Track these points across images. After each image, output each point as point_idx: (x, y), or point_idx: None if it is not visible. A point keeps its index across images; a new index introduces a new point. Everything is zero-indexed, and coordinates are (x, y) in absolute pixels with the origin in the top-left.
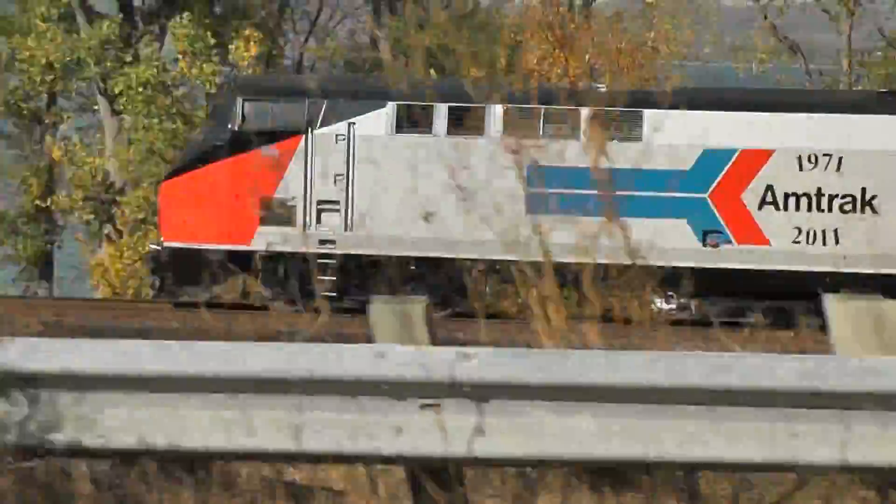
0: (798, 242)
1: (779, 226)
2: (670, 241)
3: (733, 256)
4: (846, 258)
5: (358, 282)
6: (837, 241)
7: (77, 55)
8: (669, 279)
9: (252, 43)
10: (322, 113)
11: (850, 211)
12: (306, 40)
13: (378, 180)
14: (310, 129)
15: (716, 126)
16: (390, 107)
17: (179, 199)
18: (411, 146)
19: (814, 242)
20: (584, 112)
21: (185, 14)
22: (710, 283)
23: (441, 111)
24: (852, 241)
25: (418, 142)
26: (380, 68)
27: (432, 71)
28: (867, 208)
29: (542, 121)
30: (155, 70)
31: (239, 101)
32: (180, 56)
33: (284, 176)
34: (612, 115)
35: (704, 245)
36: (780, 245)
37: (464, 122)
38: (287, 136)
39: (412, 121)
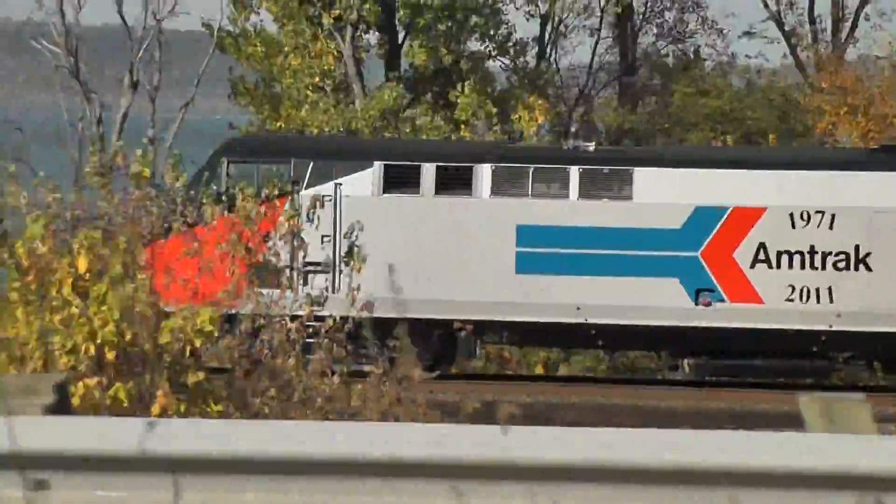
0: (791, 300)
1: (772, 284)
2: (662, 300)
3: (726, 315)
4: (840, 316)
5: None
6: (831, 299)
7: (353, 125)
8: (661, 338)
9: (536, 112)
10: (308, 174)
11: (843, 268)
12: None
13: (365, 242)
14: (296, 191)
15: (707, 184)
16: (377, 167)
17: (166, 263)
18: (398, 207)
19: (807, 300)
20: (574, 171)
21: (467, 83)
22: (703, 342)
23: (429, 171)
24: (846, 298)
25: (406, 202)
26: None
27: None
28: (861, 266)
29: (531, 180)
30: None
31: (224, 161)
32: (462, 125)
33: (271, 238)
34: (602, 174)
35: (697, 304)
36: (773, 303)
37: (452, 181)
38: (273, 197)
39: (399, 181)
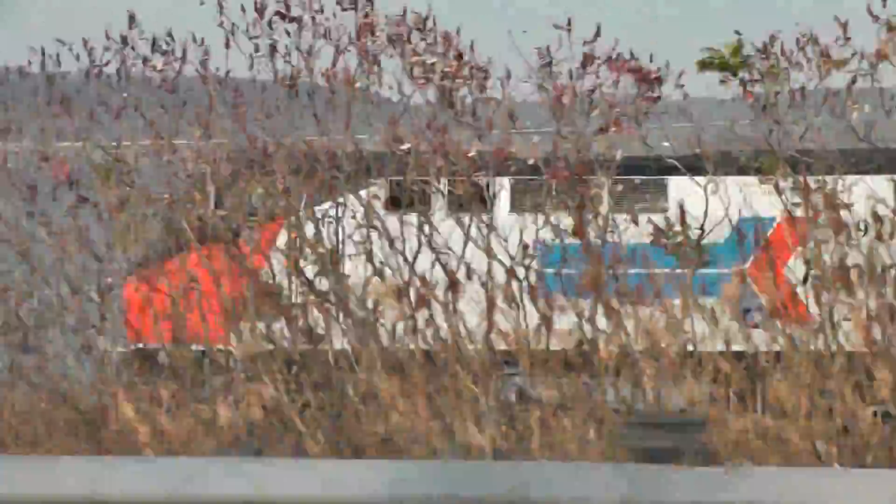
0: (850, 320)
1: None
2: (704, 321)
3: (777, 337)
4: None
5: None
6: None
7: None
8: (703, 361)
9: None
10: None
11: None
12: None
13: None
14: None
15: (752, 192)
16: (382, 183)
17: (142, 301)
18: (406, 227)
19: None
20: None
21: None
22: (750, 365)
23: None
24: None
25: (413, 222)
26: None
27: None
28: None
29: (553, 194)
30: None
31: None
32: None
33: (267, 264)
34: (633, 185)
35: (744, 325)
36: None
37: (465, 198)
38: (256, 228)
39: (407, 198)
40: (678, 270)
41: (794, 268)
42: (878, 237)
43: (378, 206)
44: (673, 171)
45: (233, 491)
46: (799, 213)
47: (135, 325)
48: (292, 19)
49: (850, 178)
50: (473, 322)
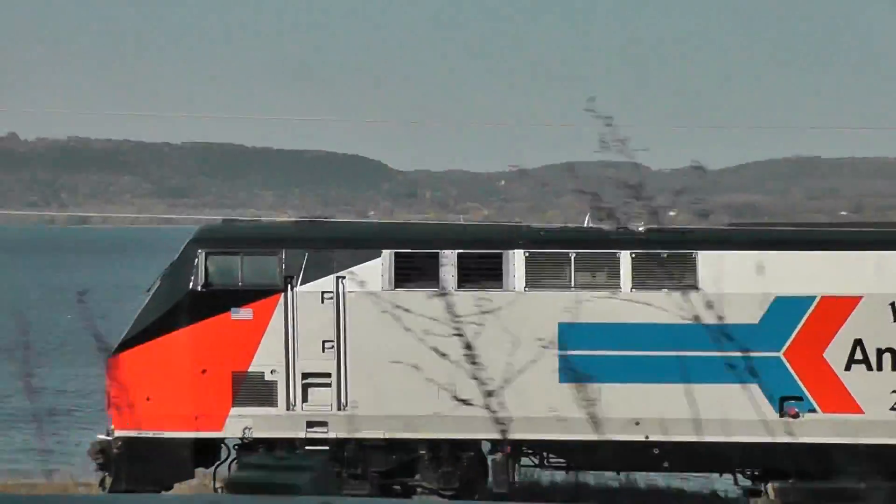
0: None
1: (872, 389)
2: (738, 412)
3: (818, 428)
4: None
5: (356, 471)
6: None
7: None
8: (739, 458)
9: None
10: (304, 266)
11: None
12: None
13: (377, 347)
14: (289, 286)
15: (789, 268)
16: (387, 256)
17: (133, 377)
18: (414, 303)
19: None
20: (625, 256)
21: None
22: (789, 461)
23: (449, 259)
24: None
25: (422, 298)
26: None
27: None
28: None
29: (572, 268)
30: None
31: (201, 254)
32: None
33: (260, 344)
34: (659, 260)
35: (781, 415)
36: (875, 413)
37: (477, 271)
38: (261, 295)
39: (414, 272)
40: (709, 353)
41: (838, 351)
42: None
43: None
44: (702, 244)
45: None
46: (843, 289)
47: (124, 407)
48: None
49: None
50: None
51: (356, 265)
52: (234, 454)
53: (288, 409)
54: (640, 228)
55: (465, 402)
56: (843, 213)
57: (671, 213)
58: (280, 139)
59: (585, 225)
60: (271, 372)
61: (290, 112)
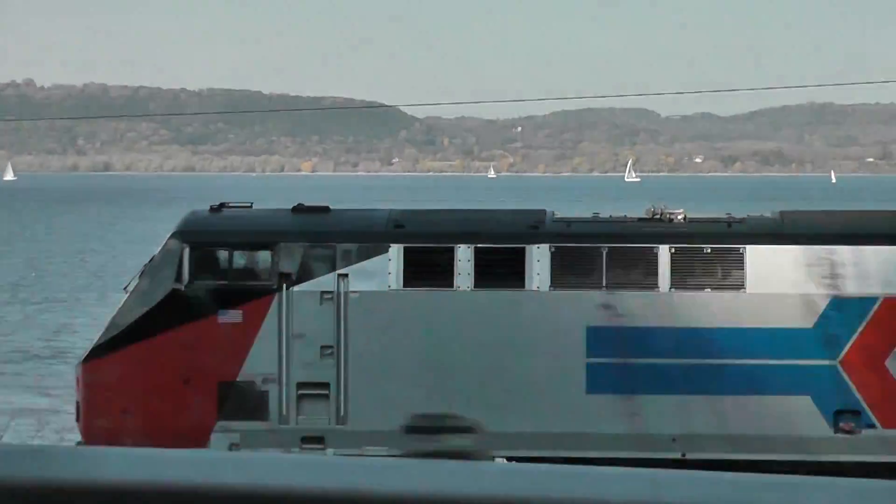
0: None
1: None
2: (788, 426)
3: (877, 446)
4: None
5: None
6: None
7: None
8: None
9: None
10: (300, 262)
11: None
12: None
13: (382, 353)
14: (284, 286)
15: (848, 265)
16: (395, 251)
17: (107, 387)
18: (426, 304)
19: None
20: (663, 251)
21: None
22: None
23: (465, 255)
24: None
25: (435, 299)
26: None
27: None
28: None
29: (604, 264)
30: None
31: (185, 248)
32: None
33: (250, 351)
34: (702, 254)
35: (836, 431)
36: None
37: (497, 268)
38: (252, 295)
39: (427, 269)
40: (755, 361)
41: None
42: None
43: None
44: (749, 237)
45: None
46: None
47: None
48: None
49: None
50: None
51: (360, 261)
52: None
53: (280, 422)
54: (680, 218)
55: (471, 429)
56: (869, 159)
57: (697, 160)
58: (296, 85)
59: (626, 177)
60: (262, 381)
61: (302, 57)
